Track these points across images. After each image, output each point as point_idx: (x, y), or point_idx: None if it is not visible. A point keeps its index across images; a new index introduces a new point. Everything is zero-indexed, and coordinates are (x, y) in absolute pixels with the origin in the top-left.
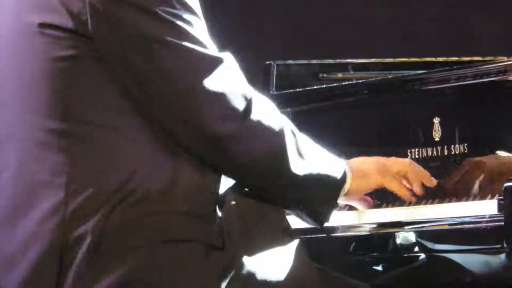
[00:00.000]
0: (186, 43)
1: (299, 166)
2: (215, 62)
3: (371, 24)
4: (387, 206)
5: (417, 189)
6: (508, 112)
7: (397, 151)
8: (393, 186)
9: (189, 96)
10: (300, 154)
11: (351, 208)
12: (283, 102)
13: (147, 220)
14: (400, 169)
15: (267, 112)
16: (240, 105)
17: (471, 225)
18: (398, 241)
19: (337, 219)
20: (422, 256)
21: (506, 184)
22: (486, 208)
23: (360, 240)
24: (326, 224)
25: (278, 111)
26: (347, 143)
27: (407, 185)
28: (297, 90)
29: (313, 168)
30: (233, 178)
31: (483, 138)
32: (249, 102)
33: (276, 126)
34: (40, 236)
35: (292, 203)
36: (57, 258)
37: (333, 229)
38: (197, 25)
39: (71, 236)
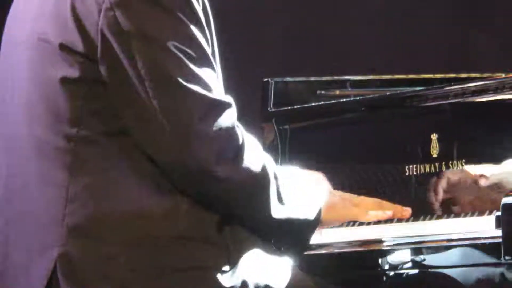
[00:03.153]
0: (189, 85)
1: (277, 210)
2: (214, 106)
3: (369, 40)
4: (385, 223)
5: (391, 215)
6: (506, 128)
7: (395, 167)
8: (366, 220)
9: (183, 137)
10: (279, 199)
11: (348, 224)
12: (281, 119)
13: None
14: (370, 207)
15: (255, 156)
16: (232, 149)
17: (469, 241)
18: (394, 257)
19: (332, 235)
20: (420, 272)
21: (504, 200)
22: (484, 224)
23: (356, 256)
24: (324, 241)
25: (263, 152)
26: (345, 160)
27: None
28: (295, 107)
29: (289, 212)
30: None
31: (481, 155)
32: (241, 146)
33: (262, 170)
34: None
35: (269, 240)
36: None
37: (329, 245)
38: (204, 62)
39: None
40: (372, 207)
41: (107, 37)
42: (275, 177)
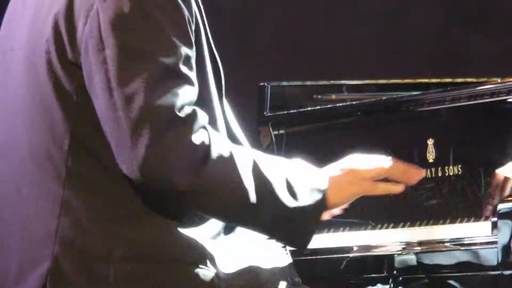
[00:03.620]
0: (156, 99)
1: (269, 207)
2: (176, 120)
3: (366, 45)
4: (381, 228)
5: (404, 186)
6: (502, 133)
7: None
8: (375, 192)
9: (143, 154)
10: (269, 193)
11: (344, 229)
12: (277, 123)
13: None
14: (376, 175)
15: (225, 159)
16: (194, 161)
17: (465, 247)
18: (392, 262)
19: (330, 240)
20: (415, 277)
21: (499, 206)
22: (481, 229)
23: (353, 261)
24: (322, 246)
25: (242, 149)
26: None
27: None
28: (291, 111)
29: (286, 204)
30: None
31: (477, 160)
32: (205, 154)
33: (235, 171)
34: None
35: (271, 236)
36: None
37: (327, 250)
38: (178, 73)
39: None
40: (379, 176)
41: (88, 44)
42: (257, 171)
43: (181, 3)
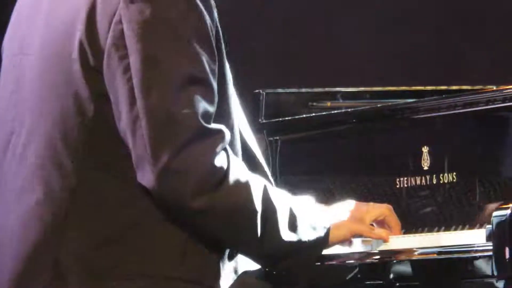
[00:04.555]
0: (179, 112)
1: (275, 240)
2: (199, 135)
3: (361, 52)
4: None
5: (395, 233)
6: (497, 141)
7: (385, 180)
8: (369, 235)
9: (163, 168)
10: (276, 226)
11: None
12: (272, 131)
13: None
14: (376, 217)
15: (241, 183)
16: (212, 180)
17: (460, 254)
18: (388, 270)
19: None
20: (409, 285)
21: (494, 214)
22: (475, 237)
23: (348, 268)
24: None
25: (255, 176)
26: (336, 172)
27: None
28: (286, 118)
29: (290, 239)
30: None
31: (472, 167)
32: (223, 176)
33: (249, 197)
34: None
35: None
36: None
37: (321, 257)
38: (202, 86)
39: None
40: (377, 218)
41: (111, 50)
42: (269, 201)
43: (204, 10)
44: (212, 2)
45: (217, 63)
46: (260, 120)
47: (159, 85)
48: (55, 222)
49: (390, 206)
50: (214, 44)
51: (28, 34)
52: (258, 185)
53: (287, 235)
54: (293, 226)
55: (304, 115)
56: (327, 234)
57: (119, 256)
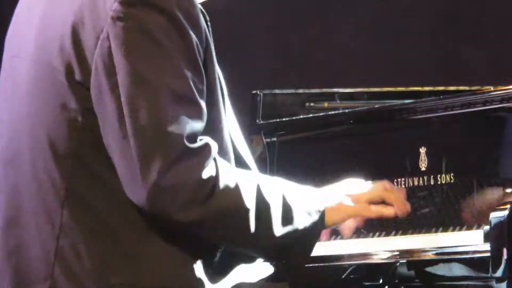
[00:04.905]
0: (167, 128)
1: (270, 233)
2: (187, 152)
3: (358, 53)
4: (373, 236)
5: (397, 211)
6: (495, 141)
7: (383, 180)
8: (368, 214)
9: (152, 183)
10: (270, 219)
11: (336, 237)
12: (269, 131)
13: None
14: (374, 197)
15: (231, 190)
16: (201, 193)
17: (458, 255)
18: (387, 270)
19: (322, 248)
20: (410, 285)
21: (492, 215)
22: (473, 238)
23: (347, 269)
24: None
25: (246, 176)
26: (333, 172)
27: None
28: (284, 119)
29: (286, 228)
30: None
31: (469, 168)
32: (213, 186)
33: (240, 201)
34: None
35: (270, 260)
36: None
37: (318, 258)
38: (190, 103)
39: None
40: (374, 199)
41: (98, 67)
42: (262, 197)
43: (189, 29)
44: (200, 16)
45: (204, 80)
46: (257, 121)
47: (147, 104)
48: (48, 231)
49: (386, 183)
50: (200, 61)
51: (24, 38)
52: (250, 184)
53: (282, 227)
54: (288, 217)
55: (301, 116)
56: (322, 217)
57: (112, 268)
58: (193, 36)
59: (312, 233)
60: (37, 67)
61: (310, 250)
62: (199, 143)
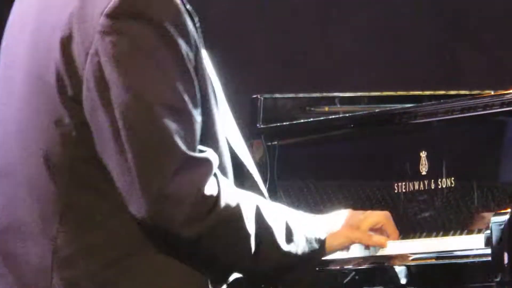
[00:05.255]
0: (164, 141)
1: (270, 258)
2: (187, 163)
3: (358, 57)
4: None
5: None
6: (495, 146)
7: (383, 185)
8: (368, 242)
9: (152, 197)
10: (271, 244)
11: None
12: (270, 136)
13: None
14: (373, 224)
15: (232, 207)
16: (203, 207)
17: (458, 259)
18: (386, 274)
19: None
20: None
21: (493, 219)
22: (474, 242)
23: (346, 273)
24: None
25: (246, 196)
26: (334, 177)
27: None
28: (284, 123)
29: (286, 254)
30: None
31: (470, 172)
32: (215, 201)
33: (240, 219)
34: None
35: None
36: None
37: (325, 263)
38: (185, 115)
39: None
40: (375, 226)
41: (89, 83)
42: (261, 220)
43: (178, 39)
44: (188, 25)
45: (197, 89)
46: (258, 125)
47: (142, 117)
48: (45, 245)
49: (387, 213)
50: (192, 70)
51: (18, 49)
52: (250, 206)
53: (282, 252)
54: (288, 242)
55: (302, 120)
56: (322, 245)
57: (111, 281)
58: (182, 45)
59: (312, 260)
60: (30, 81)
61: (308, 277)
62: (200, 154)
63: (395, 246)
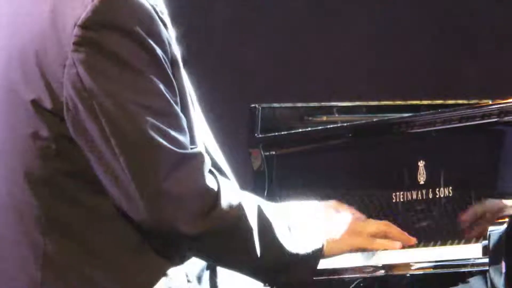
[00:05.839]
0: (154, 142)
1: (271, 256)
2: (181, 161)
3: (356, 67)
4: (371, 250)
5: (400, 243)
6: (493, 155)
7: (381, 194)
8: (371, 247)
9: (150, 197)
10: (272, 242)
11: None
12: (268, 145)
13: None
14: (375, 231)
15: (232, 203)
16: (203, 204)
17: (456, 269)
18: (385, 284)
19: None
20: None
21: (490, 228)
22: (471, 252)
23: (345, 282)
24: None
25: (246, 194)
26: (332, 186)
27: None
28: (282, 133)
29: (287, 253)
30: None
31: (468, 182)
32: (214, 197)
33: (241, 216)
34: None
35: (268, 282)
36: None
37: (320, 272)
38: (170, 115)
39: None
40: (377, 233)
41: (70, 94)
42: (261, 217)
43: (153, 44)
44: (161, 32)
45: (176, 91)
46: (256, 134)
47: (128, 123)
48: (32, 261)
49: (388, 223)
50: (170, 72)
51: None
52: (251, 203)
53: (282, 250)
54: (288, 241)
55: (300, 130)
56: (322, 247)
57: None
58: (157, 49)
59: (312, 259)
60: (4, 96)
61: (308, 276)
62: (191, 150)
63: (393, 255)
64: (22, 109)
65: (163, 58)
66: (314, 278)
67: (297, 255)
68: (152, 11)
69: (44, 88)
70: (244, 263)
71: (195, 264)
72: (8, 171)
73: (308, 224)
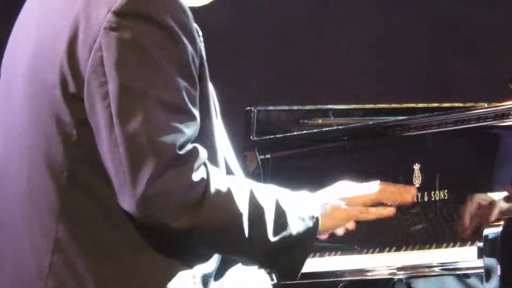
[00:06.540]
0: (157, 138)
1: (264, 239)
2: (177, 160)
3: (352, 70)
4: (367, 253)
5: (395, 209)
6: (488, 158)
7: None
8: (366, 217)
9: (142, 191)
10: (264, 225)
11: (330, 254)
12: (263, 148)
13: None
14: (368, 200)
15: (223, 194)
16: (192, 198)
17: (451, 271)
18: (377, 287)
19: (316, 264)
20: None
21: (485, 231)
22: (467, 254)
23: (340, 286)
24: (307, 270)
25: (239, 181)
26: None
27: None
28: (278, 135)
29: (280, 235)
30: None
31: (463, 184)
32: (204, 191)
33: (232, 206)
34: None
35: (265, 267)
36: None
37: (312, 275)
38: (181, 112)
39: None
40: (371, 201)
41: (90, 77)
42: (255, 203)
43: (184, 38)
44: (194, 29)
45: (197, 88)
46: (251, 137)
47: (136, 112)
48: (42, 246)
49: (382, 184)
50: (195, 72)
51: (21, 54)
52: (242, 189)
53: (276, 232)
54: (282, 223)
55: (295, 132)
56: (316, 223)
57: (107, 283)
58: (188, 46)
59: (307, 239)
60: (32, 84)
61: (305, 257)
62: (187, 148)
63: (388, 258)
64: (49, 95)
65: (192, 56)
66: (298, 282)
67: (290, 236)
68: (188, 11)
69: (70, 72)
70: (237, 250)
71: (203, 267)
72: (30, 155)
73: (302, 201)
